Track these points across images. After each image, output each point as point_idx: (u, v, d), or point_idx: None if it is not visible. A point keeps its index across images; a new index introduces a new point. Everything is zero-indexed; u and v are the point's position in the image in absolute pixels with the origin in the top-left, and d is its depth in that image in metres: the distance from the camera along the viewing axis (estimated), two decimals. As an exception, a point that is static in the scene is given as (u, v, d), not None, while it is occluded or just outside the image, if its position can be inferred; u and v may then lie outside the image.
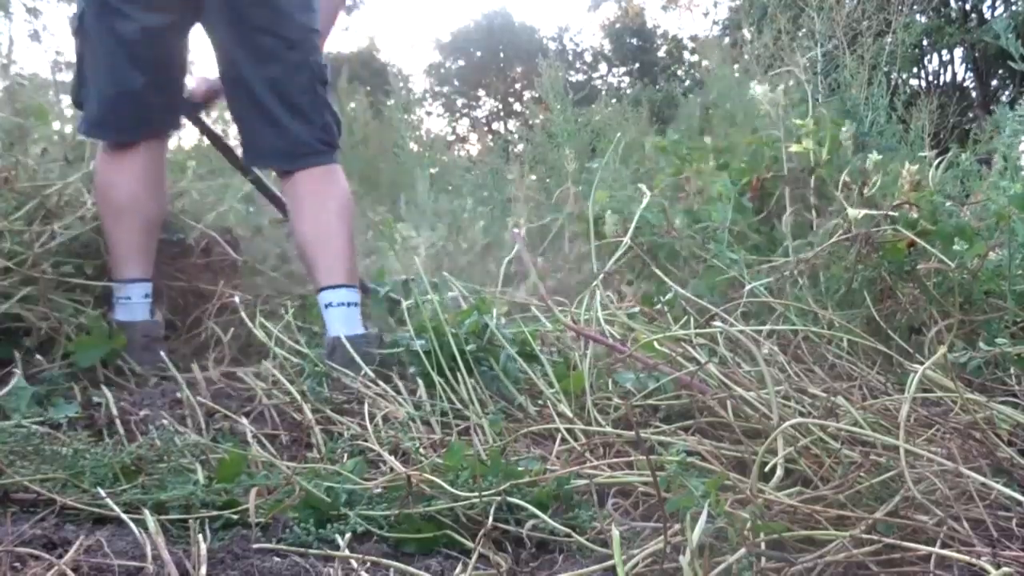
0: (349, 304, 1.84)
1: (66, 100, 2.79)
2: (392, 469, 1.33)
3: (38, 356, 1.79)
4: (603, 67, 25.82)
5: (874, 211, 1.83)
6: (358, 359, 1.74)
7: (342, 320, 1.85)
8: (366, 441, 1.52)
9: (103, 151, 1.95)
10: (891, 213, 1.83)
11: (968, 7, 12.45)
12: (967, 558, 0.96)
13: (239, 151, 2.21)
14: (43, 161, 2.13)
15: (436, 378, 1.76)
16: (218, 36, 1.94)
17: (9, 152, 2.11)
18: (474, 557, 1.10)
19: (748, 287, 1.87)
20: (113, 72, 1.87)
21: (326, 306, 1.87)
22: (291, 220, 2.01)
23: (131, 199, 1.92)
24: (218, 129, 2.76)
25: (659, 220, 2.30)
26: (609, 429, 1.53)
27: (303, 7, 1.93)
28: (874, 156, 2.11)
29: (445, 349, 1.69)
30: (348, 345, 1.76)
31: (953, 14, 12.51)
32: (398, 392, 1.74)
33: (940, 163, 2.35)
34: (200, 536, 1.03)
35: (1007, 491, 1.10)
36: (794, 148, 2.22)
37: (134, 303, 1.94)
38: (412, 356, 1.76)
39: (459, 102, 26.22)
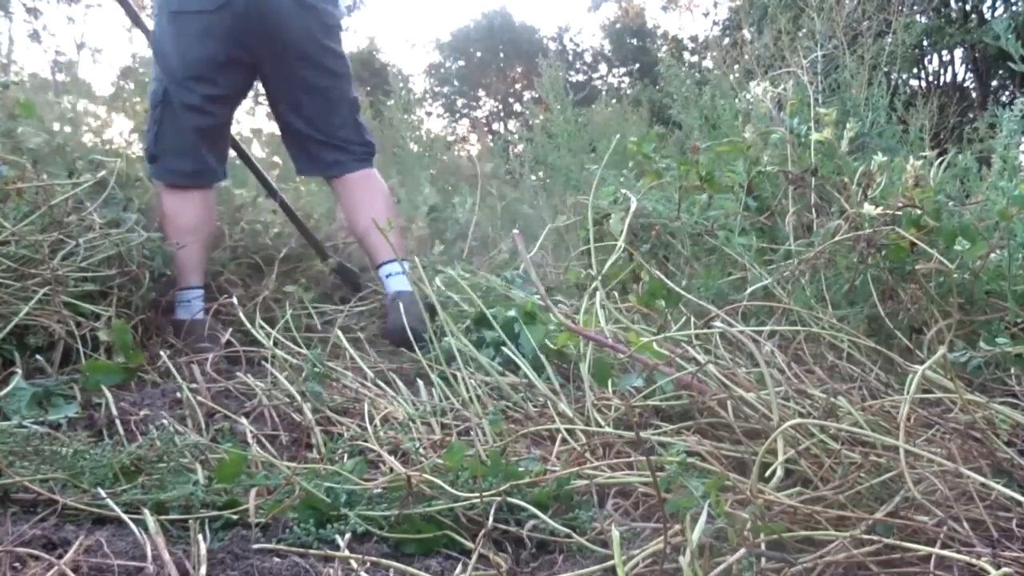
0: (399, 273, 2.38)
1: (66, 100, 2.85)
2: (392, 469, 1.33)
3: (38, 357, 1.79)
4: (603, 67, 25.83)
5: (887, 209, 1.82)
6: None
7: (396, 283, 2.42)
8: (366, 441, 1.52)
9: (166, 186, 2.39)
10: (896, 213, 1.82)
11: (968, 7, 12.43)
12: (967, 558, 0.96)
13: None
14: (42, 170, 2.13)
15: (434, 374, 1.77)
16: (272, 88, 2.47)
17: (15, 157, 2.10)
18: (474, 557, 1.10)
19: (749, 290, 1.87)
20: (184, 134, 2.35)
21: (386, 276, 2.45)
22: (346, 214, 2.60)
23: (194, 222, 2.38)
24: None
25: (668, 210, 2.33)
26: (609, 429, 1.53)
27: (333, 55, 2.44)
28: (879, 158, 2.10)
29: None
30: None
31: (953, 14, 12.49)
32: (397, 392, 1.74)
33: (941, 163, 2.34)
34: (200, 536, 1.03)
35: (1007, 491, 1.10)
36: (815, 137, 2.23)
37: (194, 304, 2.37)
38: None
39: (459, 102, 26.22)
